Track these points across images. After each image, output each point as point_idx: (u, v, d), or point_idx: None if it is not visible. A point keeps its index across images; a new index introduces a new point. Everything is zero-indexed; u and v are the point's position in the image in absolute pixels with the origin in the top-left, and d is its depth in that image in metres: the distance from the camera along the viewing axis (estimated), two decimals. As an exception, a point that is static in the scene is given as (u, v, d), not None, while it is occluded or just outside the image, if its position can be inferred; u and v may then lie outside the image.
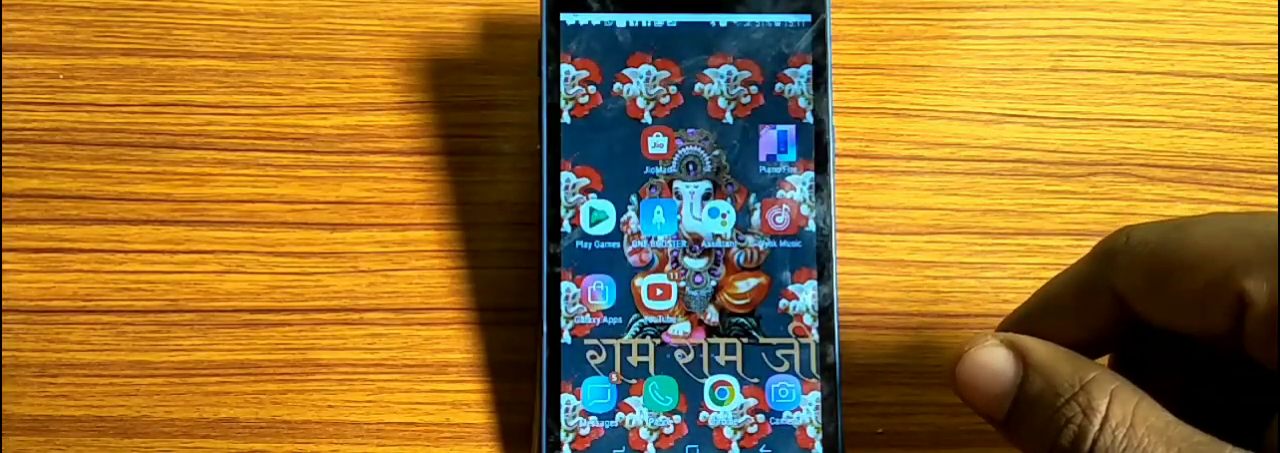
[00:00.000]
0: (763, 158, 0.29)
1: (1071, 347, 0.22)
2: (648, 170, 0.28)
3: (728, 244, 0.28)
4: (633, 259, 0.28)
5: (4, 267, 0.32)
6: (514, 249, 0.32)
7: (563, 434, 0.28)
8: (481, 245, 0.32)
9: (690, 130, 0.29)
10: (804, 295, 0.28)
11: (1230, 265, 0.19)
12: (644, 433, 0.28)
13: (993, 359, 0.22)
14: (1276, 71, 0.35)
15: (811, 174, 0.28)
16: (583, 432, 0.28)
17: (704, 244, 0.28)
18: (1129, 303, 0.22)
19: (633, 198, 0.28)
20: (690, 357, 0.28)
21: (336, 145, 0.33)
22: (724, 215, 0.28)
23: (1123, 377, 0.20)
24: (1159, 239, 0.21)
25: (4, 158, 0.32)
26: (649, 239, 0.28)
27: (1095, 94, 0.34)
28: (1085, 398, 0.20)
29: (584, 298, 0.28)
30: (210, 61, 0.33)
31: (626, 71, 0.29)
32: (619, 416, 0.28)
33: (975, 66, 0.34)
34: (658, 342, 0.28)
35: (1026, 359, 0.21)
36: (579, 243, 0.28)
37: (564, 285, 0.28)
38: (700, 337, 0.28)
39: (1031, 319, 0.24)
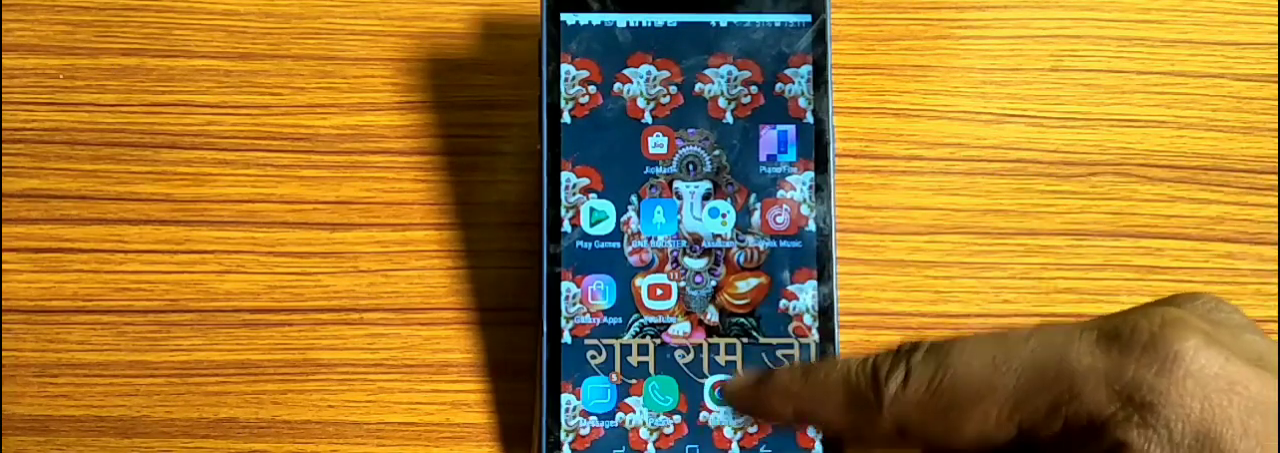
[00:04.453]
0: (763, 158, 0.29)
1: None
2: (648, 170, 0.28)
3: (728, 244, 0.28)
4: (633, 259, 0.28)
5: (4, 267, 0.32)
6: (514, 249, 0.32)
7: (563, 434, 0.28)
8: (481, 245, 0.32)
9: (690, 130, 0.29)
10: (804, 295, 0.28)
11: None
12: (644, 433, 0.28)
13: None
14: (1276, 71, 0.35)
15: (811, 174, 0.28)
16: (583, 432, 0.28)
17: (704, 244, 0.28)
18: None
19: (633, 198, 0.28)
20: (690, 357, 0.28)
21: (336, 145, 0.33)
22: (724, 215, 0.28)
23: None
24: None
25: (4, 158, 0.32)
26: (649, 239, 0.28)
27: (1095, 94, 0.34)
28: None
29: (584, 298, 0.28)
30: (210, 61, 0.33)
31: (627, 71, 0.29)
32: (619, 416, 0.28)
33: (975, 66, 0.34)
34: (658, 342, 0.28)
35: None
36: (579, 243, 0.28)
37: (564, 285, 0.28)
38: (700, 337, 0.28)
39: None
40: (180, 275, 0.32)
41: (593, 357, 0.28)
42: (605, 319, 0.28)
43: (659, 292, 0.28)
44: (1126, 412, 0.19)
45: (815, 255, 0.28)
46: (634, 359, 0.28)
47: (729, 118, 0.29)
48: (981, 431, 0.21)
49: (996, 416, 0.20)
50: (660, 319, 0.28)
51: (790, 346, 0.28)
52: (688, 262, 0.28)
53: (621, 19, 0.29)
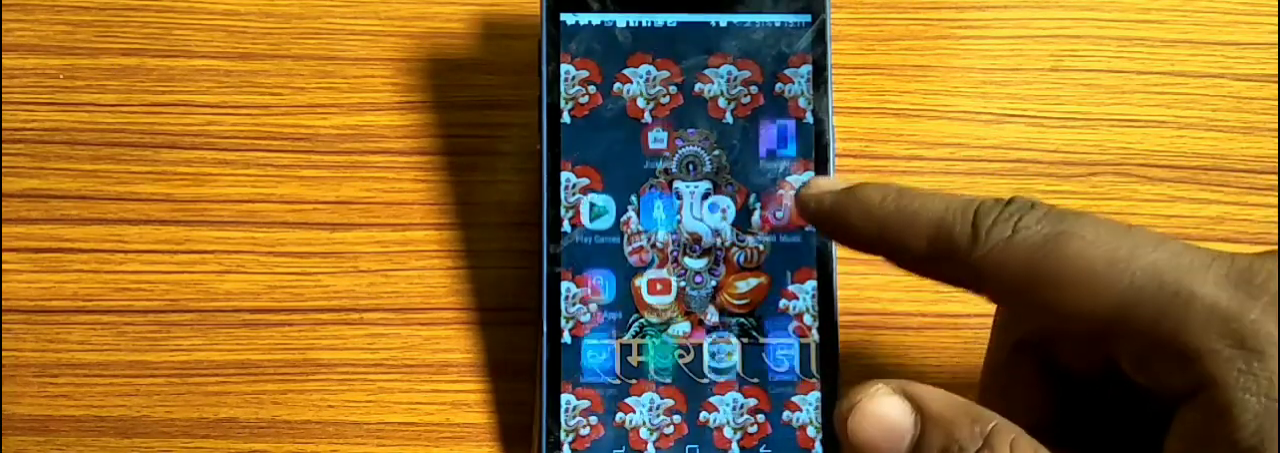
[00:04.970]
0: (762, 158, 0.29)
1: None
2: (647, 170, 0.28)
3: (728, 244, 0.28)
4: (633, 259, 0.28)
5: (4, 267, 0.32)
6: (514, 249, 0.32)
7: (563, 434, 0.28)
8: (481, 245, 0.32)
9: (690, 130, 0.29)
10: (804, 295, 0.28)
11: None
12: (644, 433, 0.28)
13: (888, 410, 0.20)
14: (1276, 71, 0.35)
15: (811, 174, 0.28)
16: (583, 432, 0.28)
17: (704, 244, 0.28)
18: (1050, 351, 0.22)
19: (633, 198, 0.28)
20: (690, 357, 0.28)
21: (336, 145, 0.33)
22: (724, 215, 0.28)
23: (1018, 427, 0.20)
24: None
25: (4, 158, 0.32)
26: (649, 239, 0.28)
27: (1095, 94, 0.34)
28: (988, 452, 0.19)
29: (584, 298, 0.28)
30: (210, 61, 0.33)
31: (626, 71, 0.29)
32: (619, 416, 0.28)
33: (975, 66, 0.34)
34: (658, 342, 0.28)
35: (924, 410, 0.20)
36: (579, 242, 0.28)
37: (564, 285, 0.28)
38: (700, 337, 0.28)
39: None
40: (180, 275, 0.32)
41: (593, 357, 0.28)
42: (605, 319, 0.28)
43: (658, 291, 0.28)
44: (1231, 352, 0.18)
45: (815, 255, 0.28)
46: (634, 359, 0.28)
47: (729, 118, 0.29)
48: (1064, 314, 0.19)
49: (1088, 308, 0.19)
50: (660, 319, 0.28)
51: (790, 346, 0.28)
52: (688, 261, 0.28)
53: (621, 19, 0.29)
